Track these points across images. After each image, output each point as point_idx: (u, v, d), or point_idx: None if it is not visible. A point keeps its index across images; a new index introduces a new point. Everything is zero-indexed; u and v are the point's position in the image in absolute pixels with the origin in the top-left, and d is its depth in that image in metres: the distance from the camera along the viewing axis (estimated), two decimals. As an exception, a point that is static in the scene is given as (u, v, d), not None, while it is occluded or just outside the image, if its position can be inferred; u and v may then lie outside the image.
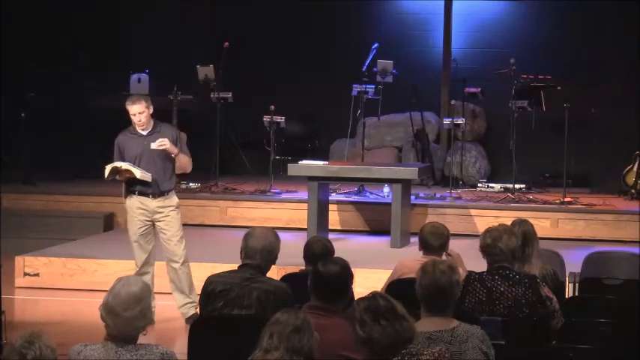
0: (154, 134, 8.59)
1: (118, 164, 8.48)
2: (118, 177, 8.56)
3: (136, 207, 8.61)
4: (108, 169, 8.48)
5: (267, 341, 4.16)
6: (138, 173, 8.45)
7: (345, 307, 5.12)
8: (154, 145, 8.49)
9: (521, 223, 6.65)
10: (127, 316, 4.37)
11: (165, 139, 8.49)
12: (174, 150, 8.54)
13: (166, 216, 8.64)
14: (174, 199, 8.72)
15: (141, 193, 8.58)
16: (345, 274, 5.14)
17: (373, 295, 4.42)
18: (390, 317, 4.29)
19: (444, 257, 6.43)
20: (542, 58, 13.85)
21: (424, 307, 4.79)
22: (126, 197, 8.68)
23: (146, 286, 4.50)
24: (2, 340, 6.77)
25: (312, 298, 5.08)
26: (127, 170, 8.46)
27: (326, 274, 5.07)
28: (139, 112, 8.49)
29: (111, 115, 14.10)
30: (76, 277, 10.02)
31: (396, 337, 4.27)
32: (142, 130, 8.55)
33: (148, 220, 8.62)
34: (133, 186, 8.60)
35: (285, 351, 4.12)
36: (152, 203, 8.60)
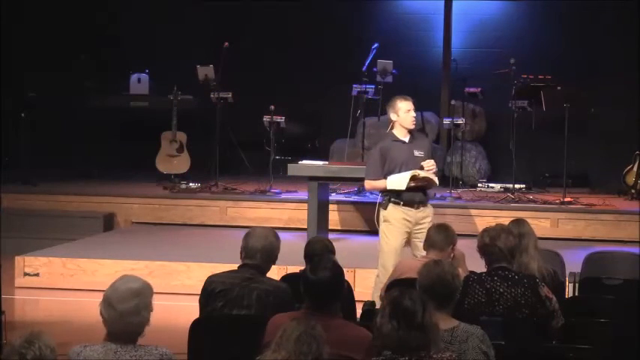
0: (413, 142, 8.43)
1: (416, 172, 8.22)
2: (413, 183, 8.24)
3: (401, 217, 8.28)
4: (407, 177, 8.20)
5: (276, 340, 4.10)
6: (437, 180, 8.32)
7: (343, 305, 5.11)
8: (424, 164, 8.31)
9: (519, 223, 6.64)
10: (121, 309, 4.36)
11: (432, 162, 8.35)
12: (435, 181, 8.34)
13: (425, 227, 8.12)
14: (431, 209, 8.46)
15: (407, 204, 8.29)
16: (336, 277, 5.01)
17: (405, 292, 4.33)
18: (404, 322, 4.23)
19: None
20: (542, 58, 13.84)
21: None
22: (385, 208, 8.33)
23: (147, 286, 4.49)
24: (2, 340, 6.77)
25: (308, 303, 5.02)
26: (425, 178, 8.25)
27: (318, 282, 4.94)
28: (413, 108, 8.40)
29: (111, 115, 14.19)
30: (76, 277, 10.00)
31: (402, 342, 4.23)
32: (413, 127, 8.41)
33: (408, 232, 8.30)
34: (399, 196, 8.29)
35: (293, 352, 4.04)
36: (417, 214, 8.30)
